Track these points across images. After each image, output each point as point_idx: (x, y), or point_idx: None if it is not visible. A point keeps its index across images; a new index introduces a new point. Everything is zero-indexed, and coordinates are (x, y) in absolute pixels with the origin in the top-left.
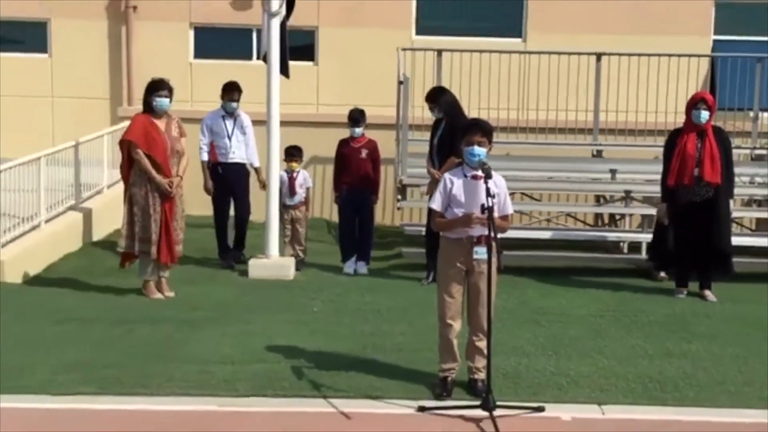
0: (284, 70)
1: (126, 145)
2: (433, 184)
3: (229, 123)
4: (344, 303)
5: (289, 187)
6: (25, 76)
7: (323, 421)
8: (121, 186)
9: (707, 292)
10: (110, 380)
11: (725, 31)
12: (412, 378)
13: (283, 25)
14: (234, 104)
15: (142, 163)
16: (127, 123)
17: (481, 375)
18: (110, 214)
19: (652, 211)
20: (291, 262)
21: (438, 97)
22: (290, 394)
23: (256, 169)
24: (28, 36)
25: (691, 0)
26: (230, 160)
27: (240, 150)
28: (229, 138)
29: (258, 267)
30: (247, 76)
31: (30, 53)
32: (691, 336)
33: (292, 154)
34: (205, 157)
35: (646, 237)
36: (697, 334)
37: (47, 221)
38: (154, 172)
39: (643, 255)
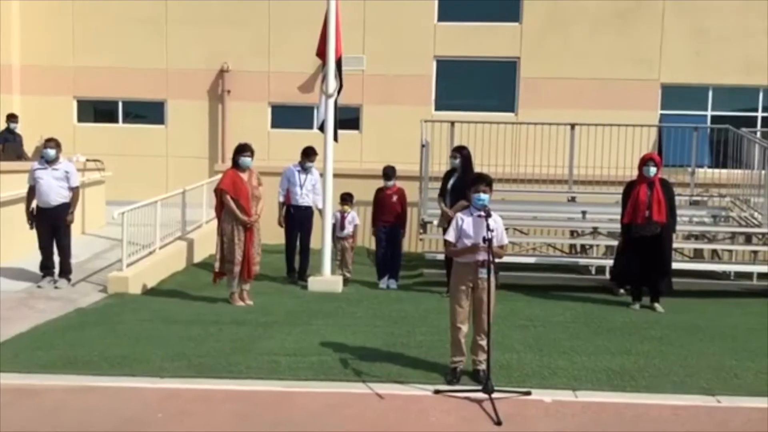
0: (335, 137)
1: (219, 193)
2: (444, 217)
3: (303, 176)
4: (379, 310)
5: (340, 224)
6: (148, 141)
7: (362, 399)
8: (215, 222)
9: (656, 305)
10: (205, 367)
11: (669, 107)
12: (429, 367)
13: (334, 103)
14: (310, 164)
15: (230, 206)
16: (219, 176)
17: (483, 366)
18: (207, 243)
19: (614, 243)
20: (340, 279)
21: (461, 150)
22: (338, 378)
23: (320, 210)
24: (151, 112)
25: (642, 82)
26: (300, 204)
27: (308, 197)
28: (301, 187)
29: (315, 283)
30: (309, 141)
31: (152, 125)
32: (643, 338)
33: (345, 198)
34: (281, 199)
35: (609, 262)
36: (648, 337)
37: (161, 248)
38: (238, 212)
39: (607, 276)
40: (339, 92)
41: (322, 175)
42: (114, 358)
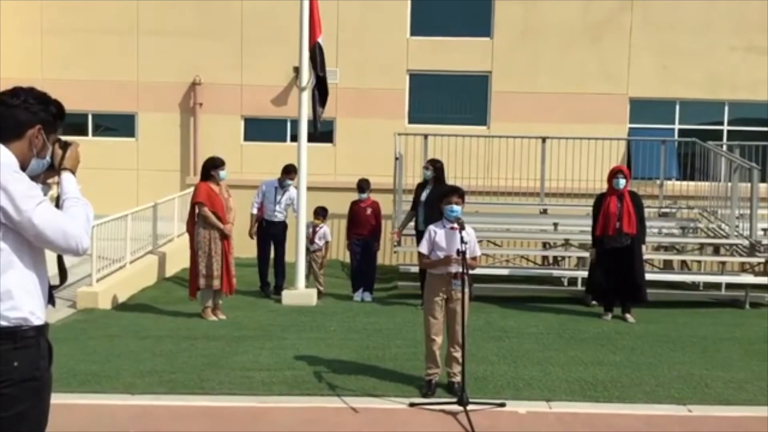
0: (315, 129)
1: (197, 206)
2: (408, 217)
3: (279, 193)
4: (353, 323)
5: (311, 237)
6: (119, 155)
7: (337, 413)
8: (187, 236)
9: (627, 315)
10: (176, 383)
11: (637, 121)
12: (404, 380)
13: (314, 91)
14: (290, 182)
15: (210, 218)
16: (190, 189)
17: (458, 378)
18: (178, 257)
19: (586, 254)
20: (314, 292)
21: (434, 162)
22: (312, 393)
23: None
24: (121, 125)
25: (611, 96)
26: (273, 219)
27: (281, 213)
28: (276, 204)
29: (289, 296)
30: (282, 153)
31: (122, 138)
32: (615, 349)
33: (317, 213)
34: (254, 211)
35: (581, 273)
36: (620, 347)
37: (131, 262)
38: (219, 223)
39: (579, 287)
40: (324, 78)
41: (296, 186)
42: (83, 375)
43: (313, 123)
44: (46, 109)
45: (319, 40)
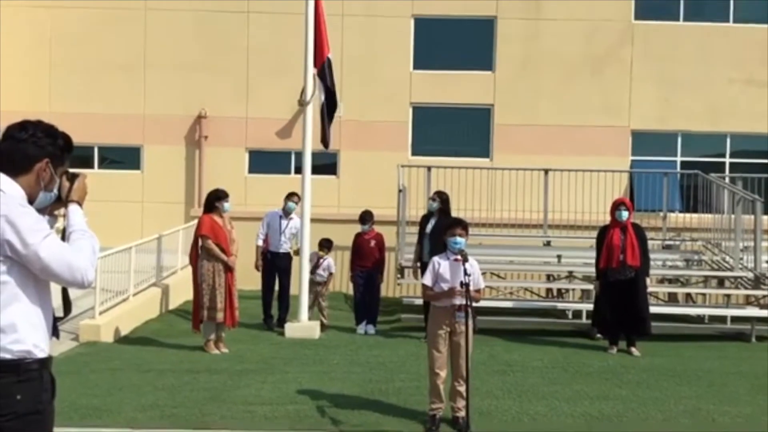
0: (326, 144)
1: (201, 238)
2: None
3: (284, 223)
4: (357, 357)
5: (314, 267)
6: (124, 187)
7: None
8: (190, 268)
9: (633, 349)
10: (178, 417)
11: (639, 153)
12: (408, 415)
13: (323, 107)
14: (293, 205)
15: (214, 251)
16: (195, 221)
17: (462, 413)
18: (182, 289)
19: (590, 287)
20: (317, 325)
21: (442, 194)
22: (315, 428)
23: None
24: (126, 157)
25: (613, 128)
26: (279, 251)
27: (287, 244)
28: (281, 234)
29: (292, 329)
30: (287, 186)
31: (127, 170)
32: (621, 383)
33: (322, 244)
34: (260, 243)
35: (586, 306)
36: (626, 381)
37: (134, 295)
38: (223, 256)
39: (584, 320)
40: (334, 99)
41: (300, 216)
42: (85, 409)
43: (322, 138)
44: (53, 143)
45: (329, 56)
